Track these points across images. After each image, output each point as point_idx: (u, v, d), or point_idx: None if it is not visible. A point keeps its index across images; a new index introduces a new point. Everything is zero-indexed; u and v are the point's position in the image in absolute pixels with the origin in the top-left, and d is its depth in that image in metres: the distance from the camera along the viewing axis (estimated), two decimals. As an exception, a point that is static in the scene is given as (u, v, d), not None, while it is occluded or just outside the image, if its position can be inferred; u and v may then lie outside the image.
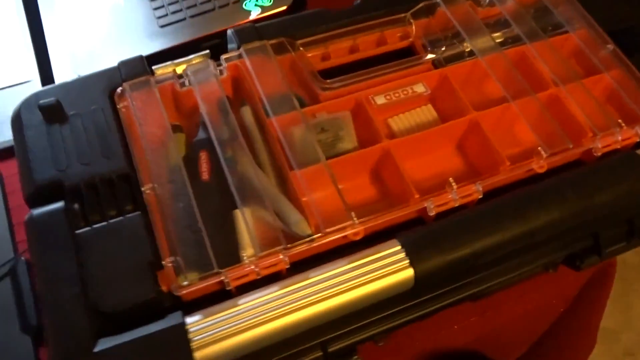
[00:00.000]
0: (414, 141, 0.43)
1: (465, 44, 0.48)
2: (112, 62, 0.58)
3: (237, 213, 0.38)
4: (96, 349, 0.32)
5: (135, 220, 0.37)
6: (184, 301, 0.37)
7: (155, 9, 0.68)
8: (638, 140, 0.45)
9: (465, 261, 0.38)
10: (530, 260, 0.43)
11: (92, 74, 0.43)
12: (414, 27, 0.49)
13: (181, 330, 0.33)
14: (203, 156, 0.41)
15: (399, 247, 0.37)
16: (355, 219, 0.38)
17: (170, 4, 0.68)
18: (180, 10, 0.68)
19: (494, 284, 0.43)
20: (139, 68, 0.43)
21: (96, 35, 0.65)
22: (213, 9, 0.68)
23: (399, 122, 0.46)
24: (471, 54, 0.48)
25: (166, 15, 0.68)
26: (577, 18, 0.50)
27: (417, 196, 0.39)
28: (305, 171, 0.39)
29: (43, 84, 0.61)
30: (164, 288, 0.35)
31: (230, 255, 0.37)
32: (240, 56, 0.45)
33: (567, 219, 0.40)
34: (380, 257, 0.37)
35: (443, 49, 0.48)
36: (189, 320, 0.34)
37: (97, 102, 0.42)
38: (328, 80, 0.45)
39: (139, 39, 0.65)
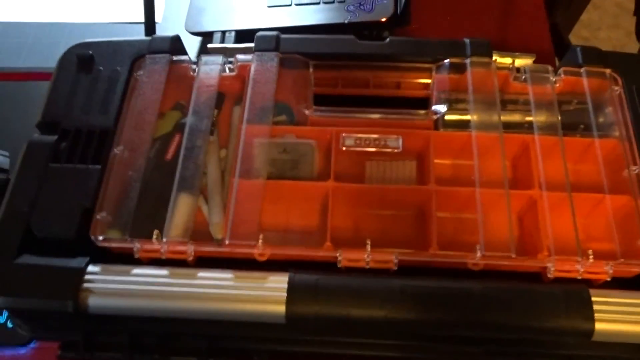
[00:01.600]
0: (368, 191, 0.43)
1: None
2: (214, 25, 0.66)
3: (175, 196, 0.43)
4: (16, 261, 0.40)
5: (94, 172, 0.43)
6: (113, 251, 0.43)
7: None
8: (607, 279, 0.40)
9: (343, 323, 0.38)
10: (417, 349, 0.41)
11: (130, 40, 0.50)
12: (434, 80, 0.48)
13: (79, 272, 0.39)
14: (176, 138, 0.46)
15: (285, 282, 0.39)
16: (260, 241, 0.40)
17: (287, -13, 0.73)
18: None
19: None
20: (166, 45, 0.49)
21: None
22: (318, 3, 0.72)
23: (374, 168, 0.46)
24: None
25: None
26: (618, 126, 0.45)
27: (328, 243, 0.40)
28: (244, 182, 0.42)
29: (146, 32, 0.70)
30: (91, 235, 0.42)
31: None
32: (252, 59, 0.48)
33: (478, 325, 0.38)
34: (264, 283, 0.39)
35: (447, 109, 0.47)
36: (90, 268, 0.40)
37: (121, 65, 0.48)
38: (317, 107, 0.47)
39: (245, 11, 0.69)
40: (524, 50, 0.69)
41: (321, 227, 0.43)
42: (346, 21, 0.68)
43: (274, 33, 0.49)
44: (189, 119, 0.46)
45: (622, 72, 0.47)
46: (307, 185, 0.43)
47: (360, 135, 0.44)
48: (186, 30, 0.67)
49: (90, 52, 0.49)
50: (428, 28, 0.70)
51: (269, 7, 0.71)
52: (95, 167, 0.44)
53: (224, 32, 0.68)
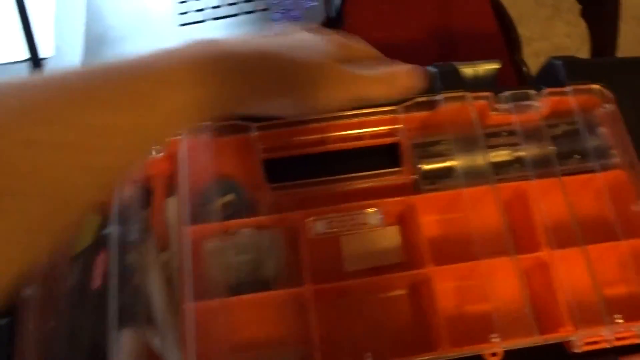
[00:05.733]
0: (353, 287, 0.37)
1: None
2: (120, 51, 0.57)
3: (116, 336, 0.35)
4: None
5: (2, 330, 0.35)
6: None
7: (180, 2, 0.64)
8: (638, 342, 0.36)
9: None
10: None
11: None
12: (403, 123, 0.42)
13: None
14: (101, 256, 0.37)
15: None
16: (238, 382, 0.33)
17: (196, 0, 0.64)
18: (203, 9, 0.64)
19: None
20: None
21: (111, 17, 0.62)
22: (237, 15, 0.63)
23: (352, 244, 0.40)
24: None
25: (187, 13, 0.64)
26: (617, 150, 0.40)
27: (320, 365, 0.34)
28: (200, 306, 0.35)
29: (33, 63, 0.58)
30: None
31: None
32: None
33: None
34: None
35: (424, 164, 0.41)
36: None
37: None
38: (272, 184, 0.39)
39: (153, 33, 0.61)
40: (469, 35, 0.65)
41: (303, 336, 0.37)
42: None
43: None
44: (113, 229, 0.37)
45: (612, 84, 0.42)
46: (279, 295, 0.36)
47: (331, 216, 0.38)
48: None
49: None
50: (363, 24, 0.63)
51: (181, 25, 0.62)
52: (5, 320, 0.35)
53: (131, 64, 0.58)
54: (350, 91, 0.34)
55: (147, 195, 0.39)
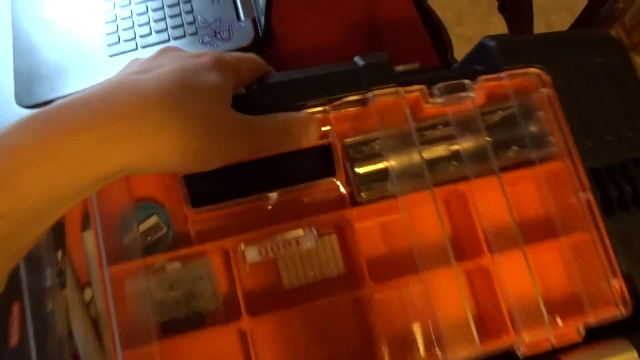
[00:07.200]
0: (295, 315, 0.36)
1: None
2: (51, 91, 0.57)
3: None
4: None
5: None
6: None
7: (109, 34, 0.62)
8: (579, 340, 0.36)
9: None
10: None
11: None
12: (333, 123, 0.39)
13: None
14: (15, 309, 0.35)
15: None
16: None
17: (124, 30, 0.62)
18: (133, 38, 0.62)
19: None
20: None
21: (40, 53, 0.60)
22: (168, 40, 0.61)
23: (290, 265, 0.38)
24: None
25: (117, 42, 0.61)
26: (555, 137, 0.39)
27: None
28: (130, 354, 0.33)
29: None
30: None
31: None
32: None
33: None
34: None
35: (359, 167, 0.38)
36: None
37: None
38: (196, 209, 0.36)
39: (84, 67, 0.60)
40: (397, 39, 0.64)
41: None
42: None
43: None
44: (24, 277, 0.34)
45: (549, 65, 0.40)
46: (215, 332, 0.35)
47: (263, 242, 0.35)
48: (18, 104, 0.58)
49: None
50: (293, 36, 0.63)
51: (111, 56, 0.61)
52: None
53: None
54: (250, 145, 0.34)
55: (60, 232, 0.36)
